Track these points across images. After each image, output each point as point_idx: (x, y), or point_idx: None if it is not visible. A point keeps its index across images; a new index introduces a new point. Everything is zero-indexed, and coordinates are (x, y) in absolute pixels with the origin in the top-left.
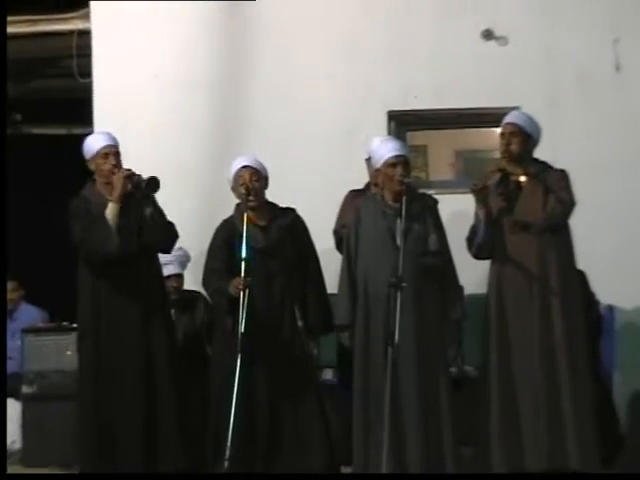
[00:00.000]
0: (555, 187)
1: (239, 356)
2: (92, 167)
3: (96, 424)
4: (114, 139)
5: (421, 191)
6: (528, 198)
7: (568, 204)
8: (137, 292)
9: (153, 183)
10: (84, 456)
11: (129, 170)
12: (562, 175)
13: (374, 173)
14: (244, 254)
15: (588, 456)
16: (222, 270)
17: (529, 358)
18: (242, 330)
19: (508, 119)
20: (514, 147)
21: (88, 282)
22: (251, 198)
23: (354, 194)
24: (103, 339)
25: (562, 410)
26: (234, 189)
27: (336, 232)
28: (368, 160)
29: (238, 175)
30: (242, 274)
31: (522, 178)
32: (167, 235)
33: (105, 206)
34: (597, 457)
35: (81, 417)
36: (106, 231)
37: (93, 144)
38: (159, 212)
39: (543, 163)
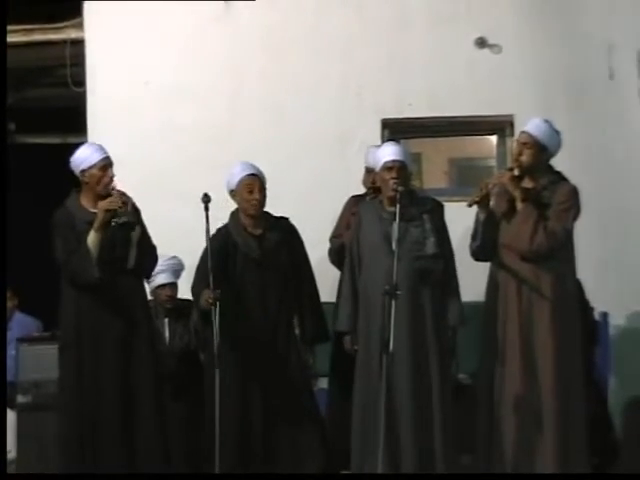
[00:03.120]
0: (552, 213)
1: (217, 372)
2: (85, 178)
3: (74, 435)
4: (107, 152)
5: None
6: (520, 222)
7: (557, 237)
8: (120, 308)
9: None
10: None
11: (120, 196)
12: (568, 195)
13: (374, 177)
14: (209, 264)
15: (574, 464)
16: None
17: (514, 365)
18: (216, 344)
19: (525, 127)
20: (524, 158)
21: (72, 296)
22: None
23: (354, 200)
24: (85, 353)
25: (542, 417)
26: (234, 196)
27: (330, 241)
28: (367, 168)
29: (245, 183)
30: (211, 286)
31: (518, 205)
32: (152, 261)
33: (89, 222)
34: (586, 465)
35: (60, 427)
36: (87, 261)
37: (90, 155)
38: (147, 237)
39: (557, 173)
